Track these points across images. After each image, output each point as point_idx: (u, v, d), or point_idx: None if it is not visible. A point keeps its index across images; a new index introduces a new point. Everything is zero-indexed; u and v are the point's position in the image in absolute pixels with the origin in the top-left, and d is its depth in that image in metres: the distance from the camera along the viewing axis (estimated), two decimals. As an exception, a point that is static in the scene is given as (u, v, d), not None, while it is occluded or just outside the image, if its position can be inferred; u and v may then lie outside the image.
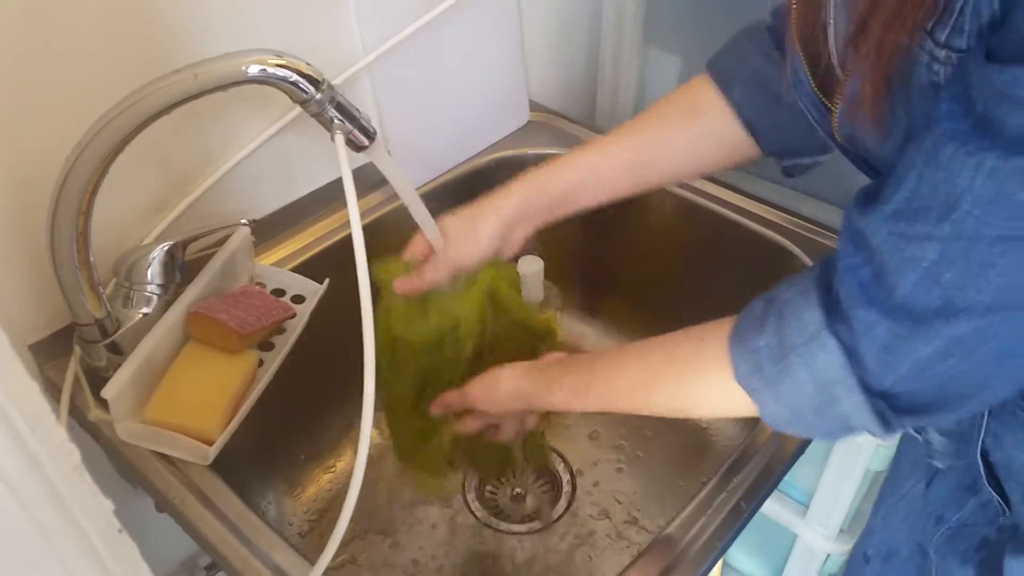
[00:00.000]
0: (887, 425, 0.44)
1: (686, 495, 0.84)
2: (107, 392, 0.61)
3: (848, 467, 0.94)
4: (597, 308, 1.04)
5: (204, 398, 0.65)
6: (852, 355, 0.43)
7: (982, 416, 0.59)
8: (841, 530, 1.03)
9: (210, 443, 0.62)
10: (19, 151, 0.62)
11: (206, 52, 0.57)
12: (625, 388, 0.58)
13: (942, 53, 0.39)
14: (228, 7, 0.69)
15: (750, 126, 0.64)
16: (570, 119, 0.99)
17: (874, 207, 0.42)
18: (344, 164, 0.59)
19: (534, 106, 1.00)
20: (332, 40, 0.78)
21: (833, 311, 0.44)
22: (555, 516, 0.84)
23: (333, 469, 0.88)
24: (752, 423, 0.88)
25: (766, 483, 0.61)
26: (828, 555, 1.06)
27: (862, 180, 0.85)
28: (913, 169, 0.39)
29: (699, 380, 0.53)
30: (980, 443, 0.63)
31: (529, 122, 0.99)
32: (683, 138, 0.66)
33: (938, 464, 0.65)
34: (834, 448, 0.94)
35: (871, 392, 0.43)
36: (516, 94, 0.97)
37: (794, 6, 0.51)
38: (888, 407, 0.44)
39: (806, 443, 0.67)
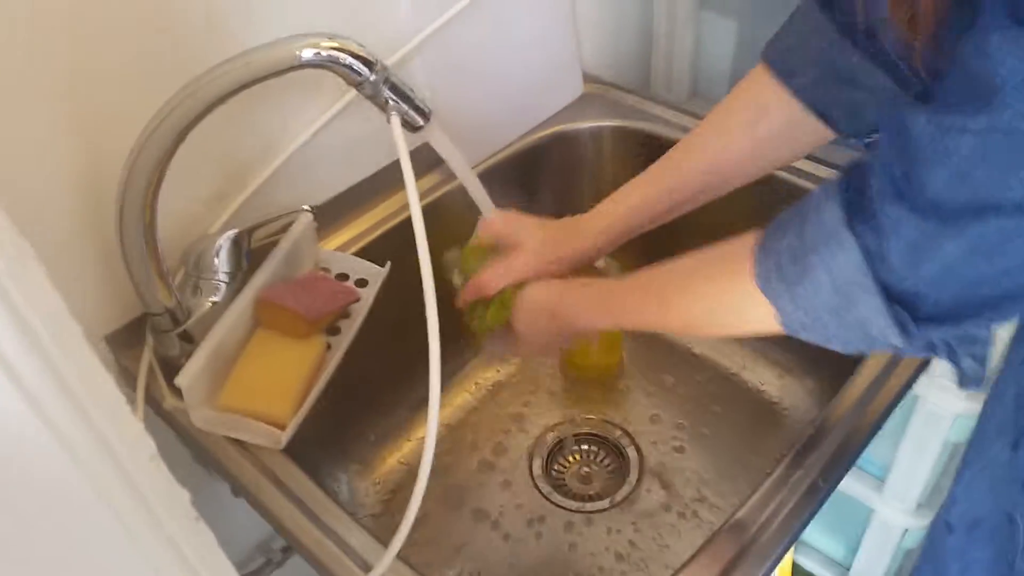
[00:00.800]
0: (907, 333, 0.43)
1: (758, 472, 0.82)
2: (181, 380, 0.62)
3: (926, 439, 0.91)
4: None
5: (275, 384, 0.66)
6: (873, 255, 0.42)
7: None
8: (919, 504, 1.00)
9: (282, 428, 0.63)
10: (85, 153, 0.63)
11: (255, 40, 0.57)
12: (649, 295, 0.59)
13: None
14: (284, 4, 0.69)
15: (823, 114, 0.61)
16: (625, 89, 0.97)
17: (919, 103, 0.40)
18: (401, 145, 0.58)
19: (587, 77, 0.98)
20: (383, 21, 0.78)
21: (857, 209, 0.43)
22: (622, 496, 0.83)
23: (403, 449, 0.89)
24: (826, 398, 0.85)
25: (843, 460, 0.59)
26: (906, 530, 1.03)
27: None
28: (960, 62, 0.38)
29: (719, 285, 0.52)
30: None
31: (583, 94, 0.97)
32: (752, 145, 0.65)
33: (968, 389, 0.62)
34: (911, 420, 0.91)
35: (891, 294, 0.42)
36: (568, 66, 0.95)
37: None
38: (908, 314, 0.43)
39: (883, 417, 0.65)
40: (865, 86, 0.59)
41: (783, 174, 0.83)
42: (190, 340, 0.68)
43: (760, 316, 0.49)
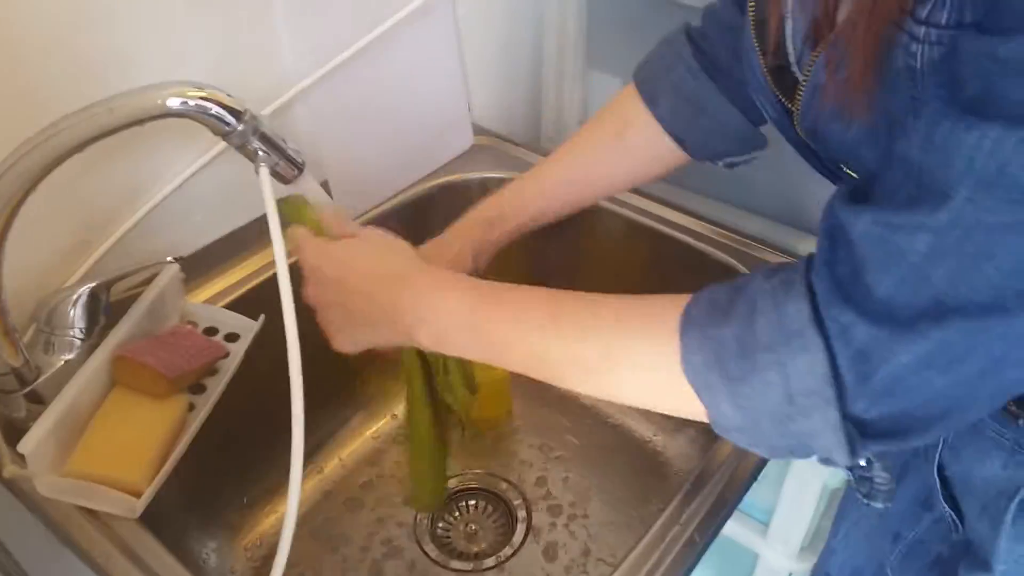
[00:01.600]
0: (853, 452, 0.39)
1: (644, 524, 0.82)
2: (24, 446, 0.57)
3: (806, 483, 0.93)
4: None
5: (130, 447, 0.61)
6: (842, 362, 0.37)
7: None
8: (802, 548, 1.02)
9: (138, 495, 0.59)
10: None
11: (129, 84, 0.54)
12: (532, 325, 0.47)
13: (921, 31, 0.37)
14: (153, 35, 0.67)
15: (678, 139, 0.67)
16: (515, 142, 0.98)
17: (857, 201, 0.38)
18: (269, 199, 0.56)
19: (478, 130, 0.99)
20: (264, 67, 0.76)
21: (818, 309, 0.38)
22: (510, 553, 0.82)
23: (278, 511, 0.85)
24: (708, 444, 0.87)
25: (720, 512, 0.60)
26: (791, 573, 1.06)
27: (807, 195, 0.86)
28: (902, 157, 0.36)
29: (632, 358, 0.44)
30: (937, 457, 0.62)
31: (473, 146, 0.97)
32: (614, 155, 0.71)
33: (876, 505, 0.61)
34: (791, 465, 0.93)
35: (846, 410, 0.38)
36: (459, 117, 0.95)
37: (751, 3, 0.52)
38: (857, 430, 0.39)
39: (761, 465, 0.66)
40: (717, 119, 0.65)
41: (685, 237, 0.85)
42: (40, 401, 0.63)
43: (682, 405, 0.43)
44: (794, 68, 0.49)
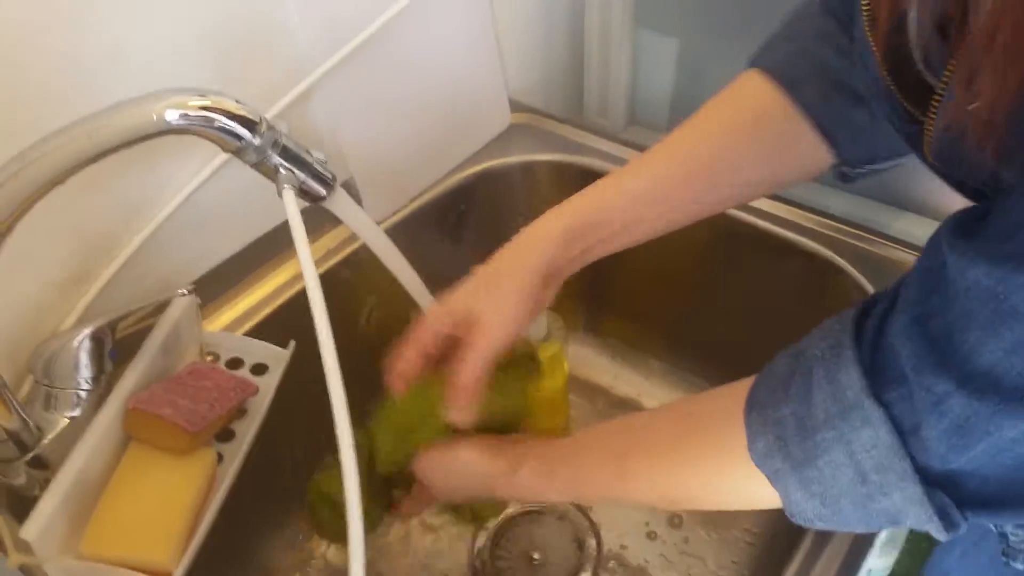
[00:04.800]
0: (950, 523, 0.35)
1: (723, 545, 0.73)
2: (28, 531, 0.48)
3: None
4: (602, 329, 0.93)
5: (154, 518, 0.53)
6: (907, 432, 0.34)
7: None
8: None
9: (168, 575, 0.50)
10: None
11: (116, 82, 0.46)
12: (608, 465, 0.49)
13: None
14: (142, 23, 0.56)
15: (828, 133, 0.51)
16: (557, 118, 0.87)
17: (971, 238, 0.31)
18: (296, 224, 0.47)
19: (515, 106, 0.87)
20: (272, 54, 0.65)
21: (881, 372, 0.35)
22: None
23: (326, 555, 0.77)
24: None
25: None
26: None
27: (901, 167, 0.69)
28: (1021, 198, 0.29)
29: (704, 460, 0.43)
30: None
31: (511, 125, 0.86)
32: (751, 151, 0.52)
33: (1019, 567, 0.54)
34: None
35: (929, 480, 0.35)
36: (494, 95, 0.84)
37: None
38: (950, 499, 0.35)
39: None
40: (873, 109, 0.48)
41: (764, 223, 0.74)
42: (44, 466, 0.54)
43: (764, 498, 0.40)
44: (924, 73, 0.37)
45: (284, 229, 0.72)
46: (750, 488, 0.40)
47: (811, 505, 0.38)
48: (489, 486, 0.56)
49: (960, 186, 0.41)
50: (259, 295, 0.69)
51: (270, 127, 0.46)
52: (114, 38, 0.55)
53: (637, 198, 0.53)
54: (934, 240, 0.34)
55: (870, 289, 0.67)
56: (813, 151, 0.52)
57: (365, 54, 0.69)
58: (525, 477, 0.54)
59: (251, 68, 0.65)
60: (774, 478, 0.39)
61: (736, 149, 0.52)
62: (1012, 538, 0.51)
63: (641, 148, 0.81)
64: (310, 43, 0.66)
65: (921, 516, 0.36)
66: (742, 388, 0.42)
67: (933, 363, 0.32)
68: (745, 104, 0.53)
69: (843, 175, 0.55)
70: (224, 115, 0.45)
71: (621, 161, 0.80)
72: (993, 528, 0.52)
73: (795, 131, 0.51)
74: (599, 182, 0.56)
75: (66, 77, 0.54)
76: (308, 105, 0.69)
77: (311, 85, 0.67)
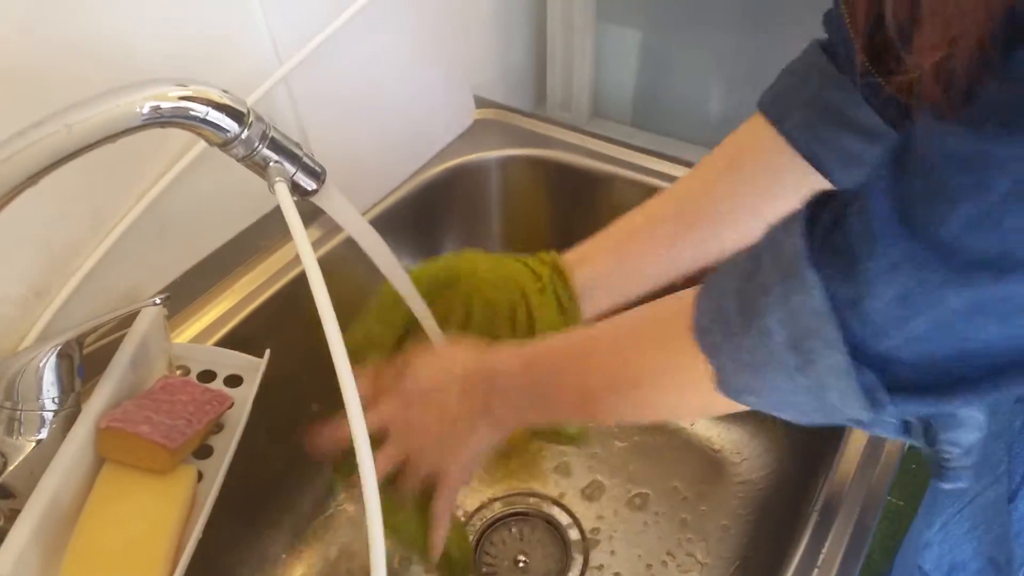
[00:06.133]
0: (875, 404, 0.34)
1: (708, 528, 0.73)
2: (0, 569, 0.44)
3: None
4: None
5: (135, 543, 0.49)
6: (842, 300, 0.33)
7: None
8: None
9: (153, 605, 0.47)
10: None
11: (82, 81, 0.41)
12: (570, 367, 0.49)
13: None
14: (107, 24, 0.53)
15: (815, 160, 0.53)
16: (523, 112, 0.85)
17: (943, 119, 0.30)
18: (292, 218, 0.44)
19: (478, 102, 0.86)
20: (239, 50, 0.62)
21: (824, 241, 0.34)
22: (572, 582, 0.72)
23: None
24: (774, 443, 0.78)
25: (861, 549, 0.51)
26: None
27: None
28: (1005, 79, 0.28)
29: (653, 343, 0.44)
30: None
31: (476, 121, 0.85)
32: (726, 185, 0.56)
33: (947, 486, 0.54)
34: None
35: (860, 353, 0.33)
36: (458, 91, 0.83)
37: None
38: (879, 380, 0.34)
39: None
40: (863, 128, 0.51)
41: None
42: (10, 496, 0.50)
43: (696, 380, 0.40)
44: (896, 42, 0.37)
45: (253, 232, 0.70)
46: (688, 371, 0.41)
47: (743, 377, 0.38)
48: (486, 392, 0.54)
49: None
50: (229, 301, 0.65)
51: (259, 118, 0.44)
52: (76, 30, 0.51)
53: (652, 268, 0.58)
54: (919, 124, 0.33)
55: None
56: (803, 179, 0.54)
57: (331, 50, 0.67)
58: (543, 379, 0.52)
59: (214, 64, 0.61)
60: (711, 353, 0.39)
61: (730, 186, 0.56)
62: (944, 455, 0.51)
63: (607, 140, 0.81)
64: (275, 39, 0.63)
65: (847, 392, 0.35)
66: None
67: (896, 228, 0.31)
68: (731, 147, 0.57)
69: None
70: (208, 105, 0.42)
71: (590, 153, 0.80)
72: (924, 444, 0.52)
73: (784, 163, 0.54)
74: (614, 251, 0.60)
75: (24, 67, 0.50)
76: (276, 102, 0.66)
77: (279, 80, 0.64)
